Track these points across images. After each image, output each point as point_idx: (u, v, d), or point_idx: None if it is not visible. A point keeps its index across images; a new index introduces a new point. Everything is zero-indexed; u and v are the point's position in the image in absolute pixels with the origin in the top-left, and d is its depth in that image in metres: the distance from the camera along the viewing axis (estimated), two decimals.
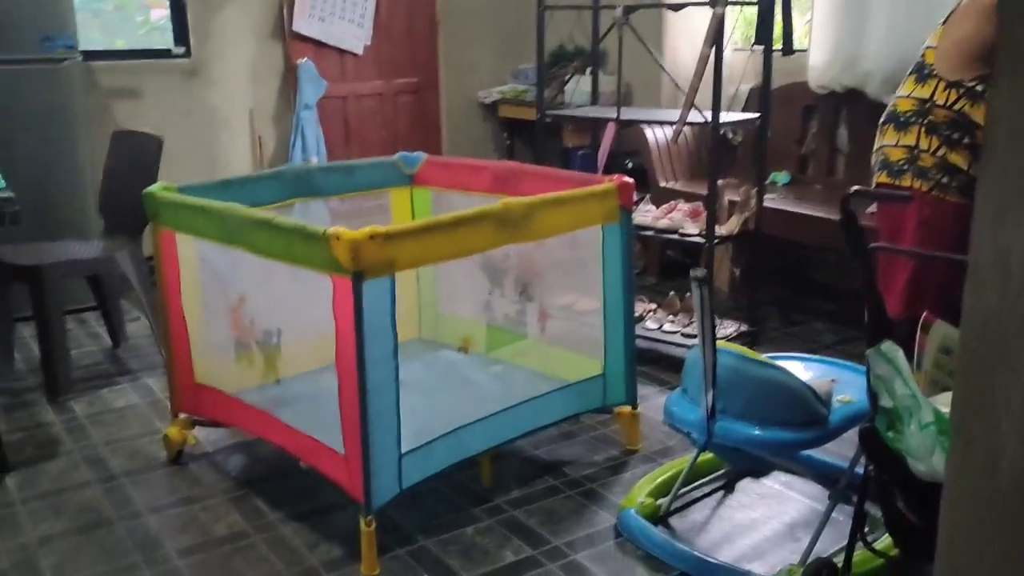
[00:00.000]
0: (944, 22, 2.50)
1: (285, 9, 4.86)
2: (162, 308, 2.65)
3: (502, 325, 2.77)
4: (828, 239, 3.69)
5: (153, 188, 2.59)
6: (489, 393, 2.60)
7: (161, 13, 4.81)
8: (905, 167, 2.43)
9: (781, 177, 4.19)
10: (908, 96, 2.47)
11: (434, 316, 3.30)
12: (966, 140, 2.36)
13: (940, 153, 2.41)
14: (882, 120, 2.56)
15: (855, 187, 1.66)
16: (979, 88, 2.34)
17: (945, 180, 2.38)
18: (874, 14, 3.76)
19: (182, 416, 2.71)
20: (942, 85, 2.39)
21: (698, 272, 2.00)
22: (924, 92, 2.43)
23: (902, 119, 2.46)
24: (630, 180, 2.63)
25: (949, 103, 2.40)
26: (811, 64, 4.00)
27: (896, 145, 2.46)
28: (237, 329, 2.51)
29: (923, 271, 2.40)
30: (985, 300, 1.14)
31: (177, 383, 2.70)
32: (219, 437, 2.83)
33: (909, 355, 1.81)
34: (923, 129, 2.42)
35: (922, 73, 2.46)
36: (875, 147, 2.57)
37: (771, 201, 3.74)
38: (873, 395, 1.71)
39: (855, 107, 3.96)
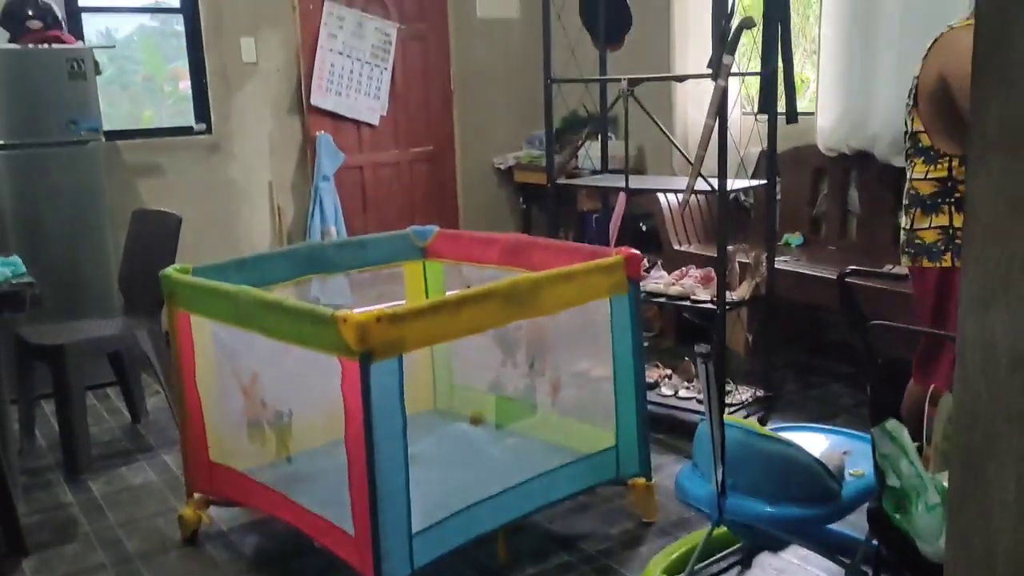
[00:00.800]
0: (911, 97, 2.50)
1: (303, 85, 4.99)
2: (177, 388, 2.69)
3: (514, 397, 2.78)
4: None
5: (168, 270, 2.65)
6: (502, 467, 2.59)
7: (188, 83, 4.97)
8: (944, 248, 2.40)
9: (794, 239, 4.20)
10: (925, 179, 2.45)
11: (449, 387, 3.32)
12: None
13: None
14: (906, 203, 2.51)
15: (851, 267, 1.67)
16: None
17: None
18: (879, 78, 3.80)
19: (197, 496, 2.72)
20: (956, 162, 2.38)
21: (702, 348, 2.00)
22: (940, 172, 2.41)
23: (929, 202, 2.43)
24: (637, 252, 2.65)
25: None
26: (819, 127, 4.03)
27: (930, 227, 2.43)
28: (250, 408, 2.54)
29: None
30: (973, 388, 1.14)
31: (192, 462, 2.72)
32: (234, 516, 2.83)
33: None
34: (953, 207, 2.39)
35: (929, 155, 2.44)
36: (906, 227, 2.52)
37: (785, 264, 3.75)
38: (880, 474, 1.69)
39: (865, 169, 3.97)
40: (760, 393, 3.44)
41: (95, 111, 4.03)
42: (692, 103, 4.59)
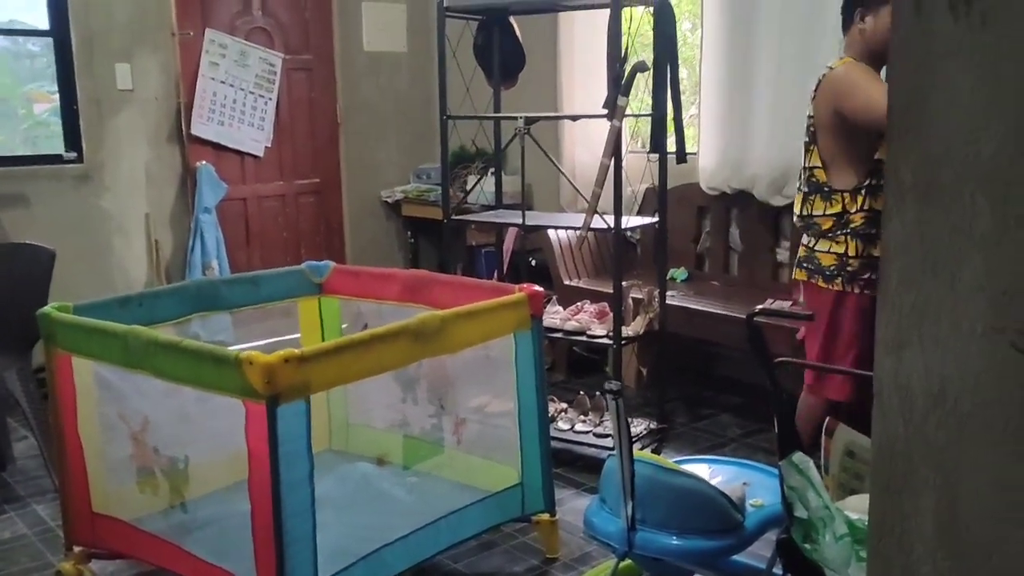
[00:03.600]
0: (807, 138, 2.74)
1: (183, 113, 4.82)
2: (57, 435, 2.52)
3: (421, 436, 2.74)
4: (728, 335, 3.83)
5: (47, 309, 2.49)
6: (407, 508, 2.55)
7: (44, 107, 4.70)
8: (836, 273, 2.66)
9: (679, 274, 4.34)
10: (824, 215, 2.69)
11: (344, 426, 3.24)
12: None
13: (865, 253, 2.62)
14: (810, 233, 2.77)
15: (759, 306, 1.74)
16: (874, 182, 2.58)
17: (874, 276, 2.56)
18: (756, 122, 4.00)
19: (77, 550, 2.54)
20: (847, 197, 2.64)
21: (612, 385, 2.03)
22: (836, 208, 2.67)
23: (829, 234, 2.69)
24: (540, 289, 2.68)
25: (860, 207, 2.63)
26: (701, 167, 4.20)
27: (828, 252, 2.69)
28: (140, 455, 2.40)
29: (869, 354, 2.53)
30: (891, 426, 1.19)
31: (72, 514, 2.54)
32: (119, 569, 2.66)
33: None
34: (848, 236, 2.65)
35: (824, 192, 2.69)
36: (808, 245, 2.77)
37: (671, 299, 3.87)
38: (788, 506, 1.76)
39: (745, 207, 4.16)
40: (654, 425, 3.52)
41: None
42: (579, 142, 4.70)
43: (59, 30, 4.48)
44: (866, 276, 2.63)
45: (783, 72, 3.83)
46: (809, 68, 3.71)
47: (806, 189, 2.74)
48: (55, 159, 4.55)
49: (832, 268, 2.67)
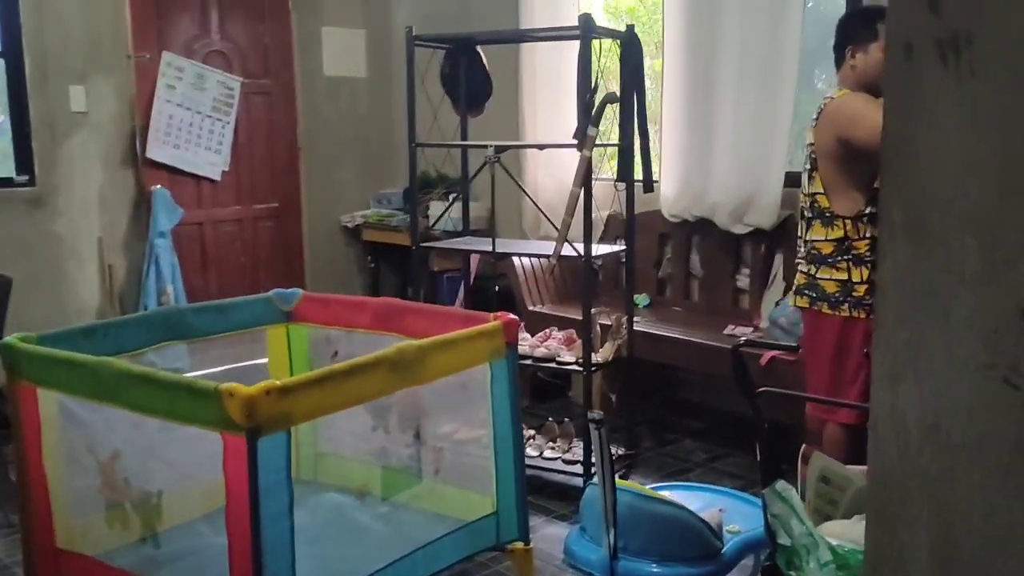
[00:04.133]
0: (808, 165, 2.80)
1: (138, 136, 4.74)
2: (20, 469, 2.44)
3: (396, 466, 2.72)
4: (690, 360, 3.89)
5: (10, 340, 2.41)
6: (382, 540, 2.52)
7: None
8: (842, 298, 2.69)
9: (641, 299, 4.39)
10: (825, 240, 2.74)
11: (313, 455, 3.20)
12: None
13: (870, 279, 2.67)
14: (807, 259, 2.81)
15: (745, 338, 1.78)
16: (877, 210, 2.62)
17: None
18: (717, 151, 4.07)
19: None
20: (849, 223, 2.69)
21: (595, 415, 2.05)
22: (837, 233, 2.71)
23: (830, 260, 2.73)
24: (514, 317, 2.69)
25: (863, 234, 2.68)
26: (663, 195, 4.26)
27: (830, 279, 2.73)
28: (108, 488, 2.34)
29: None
30: (886, 457, 1.23)
31: (35, 550, 2.45)
32: None
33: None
34: (851, 263, 2.69)
35: (825, 217, 2.74)
36: (808, 272, 2.80)
37: (636, 324, 3.91)
38: (771, 533, 1.79)
39: (706, 235, 4.24)
40: (622, 451, 3.55)
41: None
42: (542, 168, 4.74)
43: (12, 51, 4.39)
44: (872, 302, 2.65)
45: (743, 101, 3.92)
46: (769, 97, 3.83)
47: (809, 215, 2.80)
48: (6, 182, 4.44)
49: (837, 294, 2.70)
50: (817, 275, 2.75)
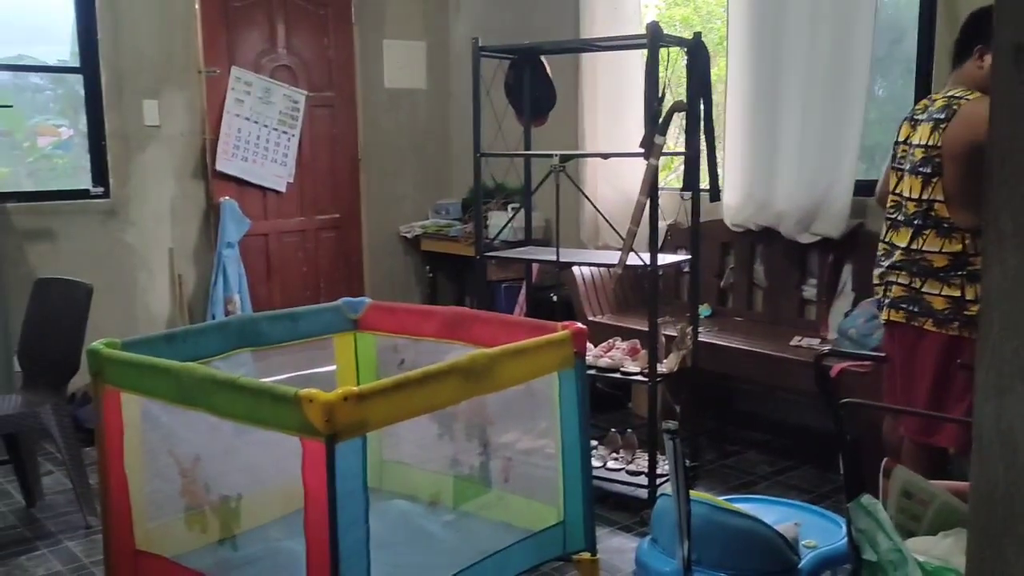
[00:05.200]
0: (928, 166, 2.57)
1: (208, 149, 4.86)
2: (102, 471, 2.51)
3: (467, 475, 2.73)
4: (752, 371, 3.84)
5: (97, 345, 2.48)
6: (450, 547, 2.54)
7: (48, 140, 4.72)
8: (952, 316, 2.51)
9: (703, 310, 4.35)
10: (939, 252, 2.54)
11: (379, 463, 3.23)
12: None
13: None
14: (910, 271, 2.62)
15: (828, 348, 1.75)
16: None
17: None
18: (783, 159, 4.03)
19: None
20: (969, 238, 2.49)
21: (670, 425, 2.03)
22: (955, 247, 2.52)
23: (941, 274, 2.54)
24: (583, 326, 2.69)
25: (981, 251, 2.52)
26: (725, 204, 4.23)
27: (940, 295, 2.54)
28: (189, 492, 2.39)
29: None
30: (991, 472, 1.20)
31: (114, 551, 2.52)
32: None
33: None
34: (965, 279, 2.49)
35: (943, 228, 2.54)
36: (908, 284, 2.61)
37: (698, 335, 3.88)
38: (855, 548, 1.76)
39: (770, 244, 4.19)
40: (687, 463, 3.51)
41: None
42: (602, 178, 4.74)
43: (89, 67, 4.53)
44: None
45: (810, 109, 3.87)
46: (836, 104, 3.77)
47: (919, 222, 2.58)
48: (82, 194, 4.58)
49: (947, 311, 2.51)
50: (923, 289, 2.55)
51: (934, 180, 2.55)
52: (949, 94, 2.60)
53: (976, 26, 2.59)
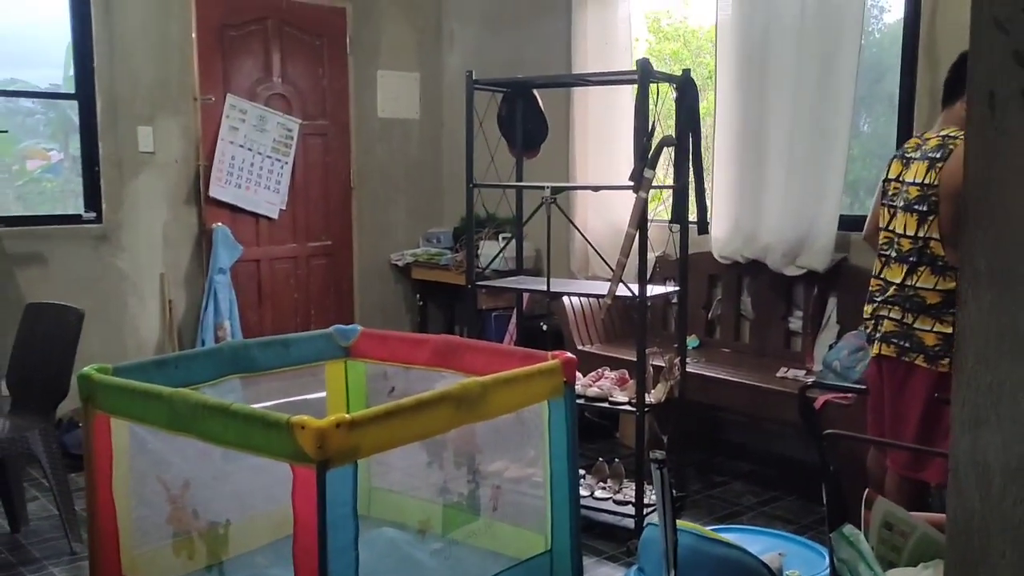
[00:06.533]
0: (923, 204, 2.60)
1: (202, 176, 4.89)
2: (89, 498, 2.51)
3: (456, 503, 2.74)
4: (739, 402, 3.88)
5: (88, 370, 2.49)
6: (439, 575, 2.55)
7: (38, 164, 4.74)
8: (943, 353, 2.51)
9: (691, 341, 4.39)
10: (933, 289, 2.57)
11: (367, 490, 3.23)
12: None
13: None
14: (902, 307, 2.64)
15: (811, 378, 1.79)
16: None
17: None
18: (769, 192, 4.09)
19: None
20: None
21: (657, 454, 2.06)
22: (949, 284, 2.52)
23: (934, 310, 2.56)
24: (572, 356, 2.72)
25: None
26: (713, 237, 4.29)
27: (931, 331, 2.56)
28: (177, 518, 2.40)
29: None
30: (967, 502, 1.23)
31: None
32: None
33: None
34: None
35: (937, 266, 2.56)
36: (900, 320, 2.63)
37: (686, 366, 3.92)
38: None
39: (757, 276, 4.24)
40: (673, 493, 3.53)
41: None
42: (592, 209, 4.80)
43: (84, 92, 4.57)
44: None
45: (795, 144, 3.95)
46: (820, 140, 3.85)
47: (914, 259, 2.61)
48: (74, 219, 4.60)
49: (937, 348, 2.53)
50: (915, 324, 2.57)
51: (930, 218, 2.57)
52: (943, 133, 2.64)
53: (965, 67, 2.64)
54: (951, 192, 2.51)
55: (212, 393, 2.84)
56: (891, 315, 2.66)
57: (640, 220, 3.14)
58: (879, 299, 2.73)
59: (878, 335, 2.70)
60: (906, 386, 2.61)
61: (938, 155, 2.58)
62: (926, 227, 2.58)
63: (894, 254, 2.69)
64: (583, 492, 3.52)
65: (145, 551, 2.50)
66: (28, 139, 4.83)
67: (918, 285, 2.60)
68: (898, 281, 2.65)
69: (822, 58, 3.81)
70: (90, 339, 4.18)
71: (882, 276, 2.74)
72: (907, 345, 2.60)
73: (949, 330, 2.51)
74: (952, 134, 2.60)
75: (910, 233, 2.62)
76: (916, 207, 2.61)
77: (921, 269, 2.60)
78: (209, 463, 2.32)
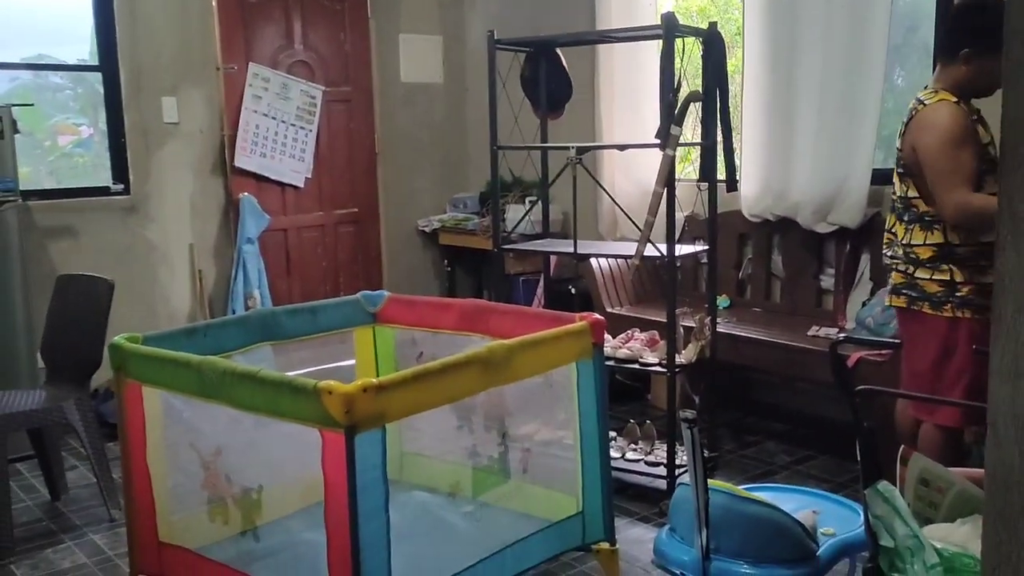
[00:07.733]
0: (900, 166, 2.71)
1: (227, 145, 4.89)
2: (124, 464, 2.54)
3: (486, 466, 2.75)
4: (770, 361, 3.83)
5: (119, 340, 2.52)
6: (470, 538, 2.56)
7: (68, 139, 4.76)
8: (945, 299, 2.61)
9: (722, 301, 4.34)
10: (924, 244, 2.66)
11: (399, 455, 3.25)
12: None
13: (975, 280, 2.57)
14: (904, 257, 2.73)
15: (843, 335, 1.76)
16: None
17: (987, 303, 2.51)
18: (799, 148, 4.01)
19: None
20: (949, 228, 2.60)
21: (687, 414, 2.04)
22: (937, 238, 2.63)
23: (928, 264, 2.65)
24: (601, 317, 2.69)
25: (964, 240, 2.59)
26: (743, 195, 4.22)
27: (931, 279, 2.64)
28: (211, 484, 2.42)
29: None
30: (1006, 455, 1.20)
31: (138, 543, 2.56)
32: None
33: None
34: (953, 266, 2.61)
35: (925, 222, 2.66)
36: (906, 272, 2.71)
37: (717, 325, 3.87)
38: (873, 534, 1.76)
39: (788, 234, 4.17)
40: (705, 454, 3.51)
41: (12, 171, 3.85)
42: (619, 170, 4.74)
43: (108, 65, 4.58)
44: (979, 302, 2.55)
45: (826, 99, 3.85)
46: (852, 94, 3.76)
47: (906, 217, 2.71)
48: (103, 191, 4.63)
49: (940, 294, 2.62)
50: (916, 275, 2.67)
51: (907, 178, 2.68)
52: (918, 95, 2.70)
53: (964, 20, 2.63)
54: (909, 156, 2.63)
55: (243, 360, 2.86)
56: (898, 267, 2.76)
57: (667, 178, 3.09)
58: (888, 253, 2.82)
59: (890, 287, 2.81)
60: (917, 334, 2.68)
61: (906, 119, 2.67)
62: (905, 187, 2.70)
63: (898, 213, 2.78)
64: (614, 454, 3.51)
65: (181, 517, 2.53)
66: (59, 114, 4.86)
67: (912, 242, 2.70)
68: (899, 236, 2.75)
69: (853, 7, 3.71)
70: (122, 309, 4.22)
71: (892, 230, 2.82)
72: (914, 294, 2.69)
73: (947, 277, 2.61)
74: (921, 96, 2.67)
75: (899, 193, 2.74)
76: (898, 168, 2.73)
77: (912, 226, 2.69)
78: (240, 430, 2.34)
